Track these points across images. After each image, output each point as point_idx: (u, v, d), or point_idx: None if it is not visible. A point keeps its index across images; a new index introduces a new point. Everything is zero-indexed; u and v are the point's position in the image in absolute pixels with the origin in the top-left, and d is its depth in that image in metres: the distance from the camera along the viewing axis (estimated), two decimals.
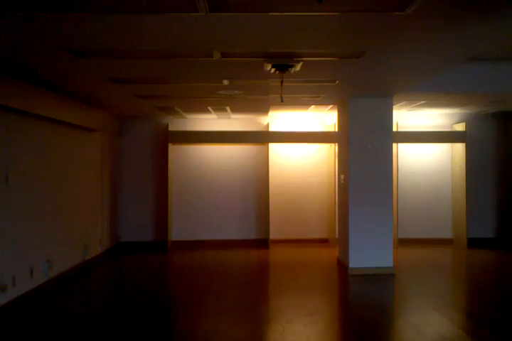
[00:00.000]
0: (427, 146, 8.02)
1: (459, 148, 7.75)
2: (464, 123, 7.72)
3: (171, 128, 7.66)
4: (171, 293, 5.29)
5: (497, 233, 7.92)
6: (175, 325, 4.12)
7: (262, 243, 7.82)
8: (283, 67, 3.92)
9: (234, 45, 3.45)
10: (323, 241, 7.99)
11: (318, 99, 5.95)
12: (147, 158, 7.89)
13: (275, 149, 7.99)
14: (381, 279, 5.60)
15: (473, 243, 7.54)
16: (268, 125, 7.86)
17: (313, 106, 6.71)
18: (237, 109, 6.97)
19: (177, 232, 7.84)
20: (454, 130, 7.90)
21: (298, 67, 3.97)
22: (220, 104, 6.41)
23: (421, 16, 2.77)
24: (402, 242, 7.68)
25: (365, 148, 5.88)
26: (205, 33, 3.13)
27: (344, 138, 6.16)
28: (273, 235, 7.77)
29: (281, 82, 4.34)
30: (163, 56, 3.78)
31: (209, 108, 6.74)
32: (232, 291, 5.13)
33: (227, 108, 6.75)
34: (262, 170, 7.95)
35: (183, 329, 3.92)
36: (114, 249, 7.45)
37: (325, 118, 7.93)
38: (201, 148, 8.00)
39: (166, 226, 7.66)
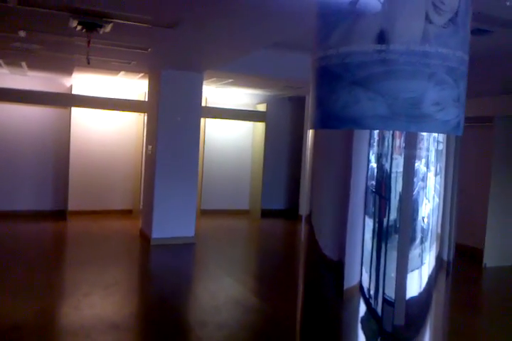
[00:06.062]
0: (233, 123, 8.46)
1: (260, 126, 8.37)
2: (265, 104, 8.35)
3: None
4: None
5: (286, 205, 8.90)
6: None
7: (60, 214, 7.28)
8: (91, 26, 3.63)
9: None
10: (127, 212, 7.84)
11: (129, 65, 5.70)
12: None
13: (80, 114, 7.42)
14: (182, 248, 5.79)
15: (266, 213, 8.32)
16: (71, 87, 7.25)
17: (123, 73, 6.41)
18: (35, 66, 6.22)
19: None
20: (256, 110, 8.48)
21: (108, 28, 3.72)
22: (14, 58, 5.63)
23: None
24: (205, 213, 8.04)
25: (174, 120, 5.90)
26: None
27: (154, 108, 6.07)
28: (72, 206, 7.29)
29: (89, 42, 4.01)
30: None
31: None
32: (22, 268, 4.67)
33: (23, 63, 5.98)
34: (62, 136, 7.32)
35: None
36: None
37: (136, 86, 7.66)
38: None
39: None
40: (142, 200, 6.75)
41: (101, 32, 3.76)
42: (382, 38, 1.55)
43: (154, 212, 5.88)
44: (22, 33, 4.19)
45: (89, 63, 4.45)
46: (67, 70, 6.46)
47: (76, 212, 7.35)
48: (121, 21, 3.60)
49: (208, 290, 4.29)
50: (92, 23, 3.59)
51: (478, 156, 5.62)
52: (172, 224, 5.96)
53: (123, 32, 3.95)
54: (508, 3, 2.67)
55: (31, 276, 4.41)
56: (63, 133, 7.30)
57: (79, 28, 3.66)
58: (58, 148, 7.37)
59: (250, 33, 3.91)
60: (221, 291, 4.26)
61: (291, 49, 5.69)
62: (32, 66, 6.20)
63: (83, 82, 7.42)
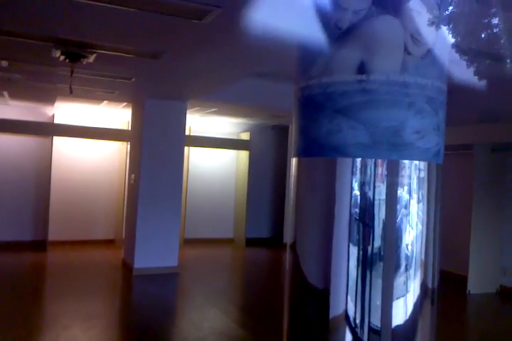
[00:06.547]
0: (216, 151, 8.47)
1: (244, 155, 8.40)
2: (248, 133, 8.41)
3: None
4: None
5: (271, 233, 8.84)
6: None
7: (40, 245, 7.10)
8: (74, 56, 3.65)
9: (17, 23, 3.06)
10: (109, 242, 7.69)
11: (112, 94, 5.72)
12: None
13: (62, 142, 7.36)
14: (166, 278, 5.67)
15: (250, 242, 8.24)
16: (54, 116, 7.22)
17: (106, 102, 6.42)
18: (17, 96, 6.20)
19: None
20: (240, 138, 8.53)
21: (91, 58, 3.75)
22: None
23: (216, 27, 2.91)
24: (188, 242, 7.92)
25: (158, 149, 5.89)
26: None
27: (137, 137, 6.07)
28: (53, 236, 7.13)
29: (72, 72, 4.03)
30: None
31: None
32: None
33: (5, 93, 5.96)
34: (43, 164, 7.23)
35: None
36: None
37: (119, 115, 7.67)
38: None
39: None
40: (124, 230, 6.64)
41: (84, 62, 3.78)
42: (362, 68, 1.59)
43: (137, 242, 5.78)
44: (4, 63, 4.19)
45: (71, 93, 4.45)
46: (50, 100, 6.45)
47: (57, 242, 7.17)
48: (105, 52, 3.64)
49: (191, 321, 4.18)
50: (75, 53, 3.61)
51: (460, 183, 5.71)
52: (155, 254, 5.85)
53: (106, 62, 3.99)
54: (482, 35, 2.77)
55: (8, 309, 4.25)
56: (44, 161, 7.22)
57: (62, 58, 3.67)
58: (39, 177, 7.26)
59: (233, 64, 3.98)
60: (205, 322, 4.16)
61: (274, 78, 5.78)
62: (14, 95, 6.18)
63: (65, 111, 7.40)
